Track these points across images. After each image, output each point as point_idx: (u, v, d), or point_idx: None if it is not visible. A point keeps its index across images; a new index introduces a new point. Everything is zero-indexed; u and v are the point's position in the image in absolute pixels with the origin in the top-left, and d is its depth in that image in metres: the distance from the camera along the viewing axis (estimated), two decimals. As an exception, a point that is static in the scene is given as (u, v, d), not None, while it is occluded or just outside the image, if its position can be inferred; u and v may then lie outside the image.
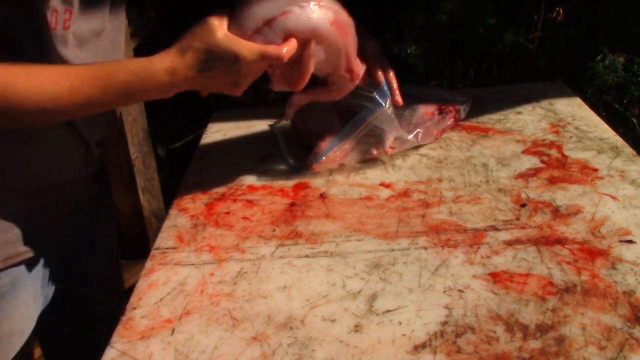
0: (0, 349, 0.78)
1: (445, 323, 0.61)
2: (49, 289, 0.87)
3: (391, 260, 0.72)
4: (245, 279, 0.71)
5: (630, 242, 0.72)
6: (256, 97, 2.34)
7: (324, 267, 0.72)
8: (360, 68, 0.86)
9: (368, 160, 0.95)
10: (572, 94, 1.18)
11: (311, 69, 0.79)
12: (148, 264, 0.76)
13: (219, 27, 0.72)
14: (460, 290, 0.66)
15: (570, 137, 0.99)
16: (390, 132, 0.94)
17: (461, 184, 0.88)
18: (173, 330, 0.64)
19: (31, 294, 0.81)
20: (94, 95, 0.68)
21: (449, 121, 1.03)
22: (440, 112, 1.02)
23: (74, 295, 0.93)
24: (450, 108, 1.04)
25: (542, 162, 0.92)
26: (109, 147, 1.73)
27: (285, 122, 1.05)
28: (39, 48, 0.69)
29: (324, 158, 0.94)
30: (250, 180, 0.94)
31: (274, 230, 0.80)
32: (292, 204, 0.86)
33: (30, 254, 0.78)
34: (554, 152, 0.95)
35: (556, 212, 0.79)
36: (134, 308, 0.68)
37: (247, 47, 0.72)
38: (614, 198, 0.81)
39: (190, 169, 1.02)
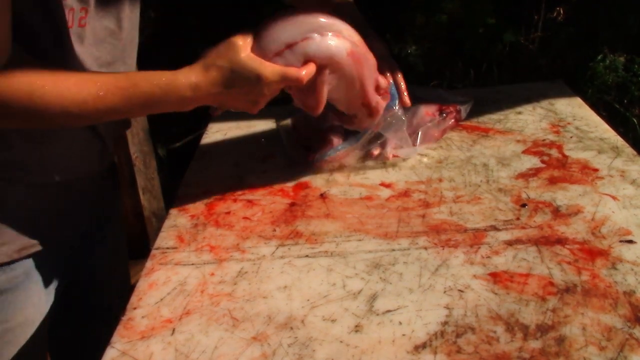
0: (14, 338, 0.80)
1: (445, 323, 0.61)
2: (60, 282, 0.88)
3: (391, 260, 0.72)
4: (245, 279, 0.71)
5: (630, 242, 0.72)
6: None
7: (324, 267, 0.72)
8: (380, 104, 0.89)
9: (368, 160, 0.95)
10: (572, 94, 1.18)
11: (324, 94, 0.82)
12: (148, 263, 0.76)
13: (244, 48, 0.75)
14: (460, 290, 0.66)
15: (571, 137, 0.99)
16: (395, 136, 0.94)
17: (461, 184, 0.88)
18: (173, 330, 0.64)
19: (43, 286, 0.83)
20: (118, 104, 0.70)
21: (450, 122, 1.03)
22: (441, 112, 1.02)
23: (82, 291, 0.94)
24: (451, 108, 1.04)
25: (543, 162, 0.92)
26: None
27: (287, 122, 1.06)
28: (55, 44, 0.70)
29: (326, 158, 0.94)
30: (250, 180, 0.94)
31: (274, 230, 0.80)
32: (293, 204, 0.86)
33: (44, 246, 0.80)
34: (554, 152, 0.95)
35: (556, 212, 0.79)
36: (134, 308, 0.68)
37: (269, 68, 0.75)
38: (614, 198, 0.81)
39: (190, 169, 1.02)
